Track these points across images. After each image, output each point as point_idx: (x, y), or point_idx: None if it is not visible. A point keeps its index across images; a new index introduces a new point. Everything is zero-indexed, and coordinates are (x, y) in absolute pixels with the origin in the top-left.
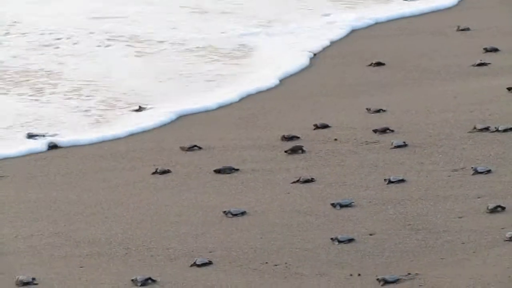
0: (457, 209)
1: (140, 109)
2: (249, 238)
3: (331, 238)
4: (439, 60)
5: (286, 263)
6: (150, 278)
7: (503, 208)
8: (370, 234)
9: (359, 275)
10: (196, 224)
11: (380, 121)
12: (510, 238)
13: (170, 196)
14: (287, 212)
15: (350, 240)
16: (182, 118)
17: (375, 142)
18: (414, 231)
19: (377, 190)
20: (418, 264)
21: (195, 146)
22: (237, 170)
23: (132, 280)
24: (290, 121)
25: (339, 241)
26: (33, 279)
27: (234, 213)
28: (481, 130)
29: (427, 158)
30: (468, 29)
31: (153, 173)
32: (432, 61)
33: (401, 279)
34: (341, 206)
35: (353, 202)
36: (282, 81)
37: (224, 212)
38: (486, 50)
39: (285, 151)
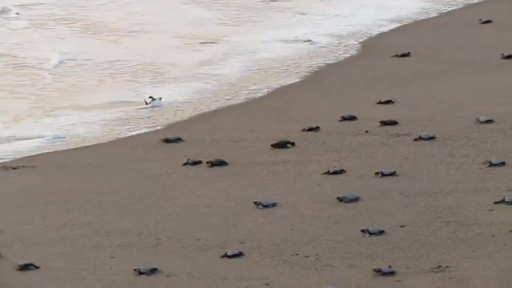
0: (488, 201)
1: (153, 99)
2: (280, 230)
3: (362, 230)
4: (470, 52)
5: (316, 254)
6: (155, 269)
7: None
8: (401, 226)
9: (389, 267)
10: (227, 215)
11: (411, 114)
12: None
13: (201, 187)
14: (318, 203)
15: (381, 232)
16: (214, 109)
17: (406, 134)
18: (444, 223)
19: (408, 182)
20: (449, 256)
21: (179, 138)
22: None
23: (135, 269)
24: (323, 112)
25: (370, 233)
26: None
27: (265, 204)
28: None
29: (458, 150)
30: (490, 21)
31: (185, 164)
32: (463, 53)
33: (395, 271)
34: (347, 201)
35: (358, 197)
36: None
37: (255, 203)
38: None
39: (272, 145)
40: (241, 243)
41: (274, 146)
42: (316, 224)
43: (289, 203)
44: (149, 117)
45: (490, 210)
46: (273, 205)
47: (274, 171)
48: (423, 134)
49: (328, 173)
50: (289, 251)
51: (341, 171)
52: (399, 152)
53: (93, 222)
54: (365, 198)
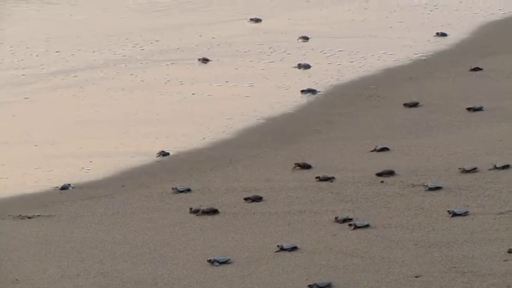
0: (503, 252)
1: (163, 153)
2: (295, 279)
3: (309, 286)
4: (483, 102)
5: None
6: None
7: None
8: (416, 277)
9: None
10: (242, 265)
11: (426, 164)
12: None
13: (216, 237)
14: (333, 253)
15: (328, 285)
16: (229, 159)
17: (421, 185)
18: (459, 273)
19: (423, 232)
20: None
21: (189, 189)
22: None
23: None
24: (336, 162)
25: (318, 287)
26: None
27: (286, 247)
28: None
29: (473, 200)
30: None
31: (192, 212)
32: (476, 103)
33: None
34: (219, 262)
35: (229, 259)
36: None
37: (278, 246)
38: None
39: (244, 199)
40: None
41: (247, 200)
42: (331, 275)
43: (305, 254)
44: (162, 165)
45: (505, 261)
46: (294, 248)
47: (290, 221)
48: (430, 184)
49: (337, 220)
50: None
51: (349, 219)
52: (414, 202)
53: (107, 271)
54: (380, 249)
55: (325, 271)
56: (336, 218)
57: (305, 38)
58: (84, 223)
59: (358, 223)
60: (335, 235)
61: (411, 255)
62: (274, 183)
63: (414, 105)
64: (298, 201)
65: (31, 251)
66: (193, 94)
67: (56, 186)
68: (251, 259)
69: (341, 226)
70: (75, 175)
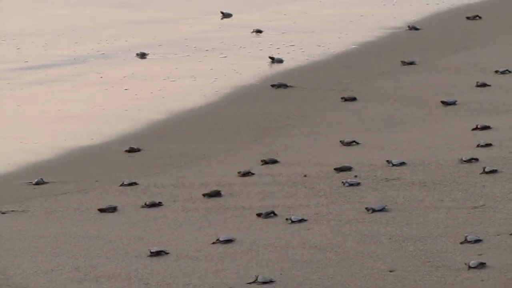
0: (477, 246)
1: (133, 150)
2: (269, 274)
3: (248, 283)
4: (458, 97)
5: None
6: None
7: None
8: (390, 271)
9: None
10: (216, 260)
11: (400, 158)
12: None
13: (190, 232)
14: (307, 248)
15: (271, 281)
16: (202, 153)
17: (395, 179)
18: (433, 268)
19: (397, 226)
20: None
21: (134, 183)
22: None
23: None
24: (309, 157)
25: (260, 282)
26: None
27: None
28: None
29: (447, 195)
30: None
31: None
32: (450, 97)
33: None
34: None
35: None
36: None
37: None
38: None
39: (203, 195)
40: (230, 287)
41: (205, 195)
42: (305, 269)
43: (278, 248)
44: (136, 161)
45: (479, 255)
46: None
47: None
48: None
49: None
50: None
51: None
52: (388, 197)
53: (81, 266)
54: (354, 243)
55: (299, 266)
56: (258, 214)
57: (259, 31)
58: (58, 218)
59: (293, 217)
60: (308, 229)
61: (385, 249)
62: (247, 178)
63: (352, 99)
64: (271, 196)
65: (6, 247)
66: (159, 90)
67: (30, 181)
68: (224, 253)
69: (315, 220)
70: (49, 170)
